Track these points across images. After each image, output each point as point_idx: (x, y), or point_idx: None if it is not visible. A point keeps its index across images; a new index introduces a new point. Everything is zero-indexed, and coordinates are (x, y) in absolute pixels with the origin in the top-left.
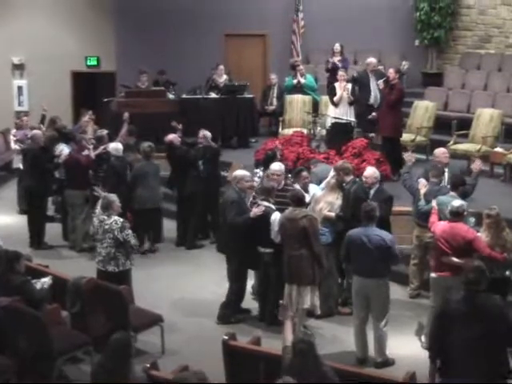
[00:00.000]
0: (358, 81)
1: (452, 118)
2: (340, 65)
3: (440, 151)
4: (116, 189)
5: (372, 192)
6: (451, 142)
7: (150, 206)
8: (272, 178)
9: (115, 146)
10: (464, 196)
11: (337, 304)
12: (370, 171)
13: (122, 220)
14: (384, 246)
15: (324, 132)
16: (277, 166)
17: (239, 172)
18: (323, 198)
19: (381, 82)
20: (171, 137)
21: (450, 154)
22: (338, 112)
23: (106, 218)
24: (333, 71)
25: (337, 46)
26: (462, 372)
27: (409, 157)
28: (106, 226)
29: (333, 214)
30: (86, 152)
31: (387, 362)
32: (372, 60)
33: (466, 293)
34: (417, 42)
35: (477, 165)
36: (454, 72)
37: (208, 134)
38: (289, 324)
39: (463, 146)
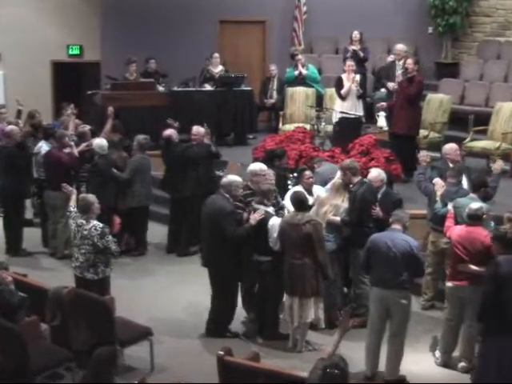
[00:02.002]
0: (381, 75)
1: (469, 112)
2: (361, 54)
3: (451, 148)
4: (101, 189)
5: (379, 195)
6: (468, 139)
7: (146, 203)
8: (262, 178)
9: (99, 143)
10: (485, 199)
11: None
12: (375, 173)
13: (101, 225)
14: (410, 253)
15: (329, 128)
16: (261, 166)
17: (235, 178)
18: (328, 201)
19: (399, 73)
20: (169, 132)
21: (466, 152)
22: (346, 106)
23: (84, 222)
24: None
25: (355, 34)
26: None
27: (423, 157)
28: (85, 232)
29: (338, 219)
30: (67, 149)
31: (399, 381)
32: (398, 46)
33: None
34: (430, 30)
35: (498, 165)
36: (471, 62)
37: (202, 130)
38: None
39: (481, 144)
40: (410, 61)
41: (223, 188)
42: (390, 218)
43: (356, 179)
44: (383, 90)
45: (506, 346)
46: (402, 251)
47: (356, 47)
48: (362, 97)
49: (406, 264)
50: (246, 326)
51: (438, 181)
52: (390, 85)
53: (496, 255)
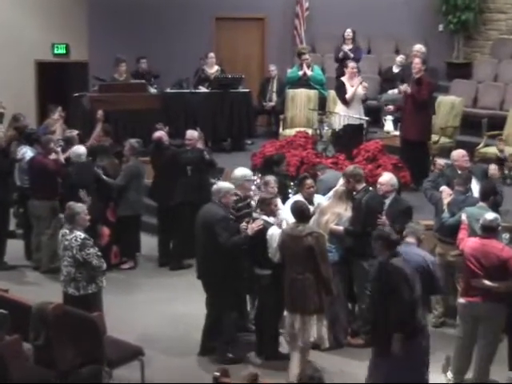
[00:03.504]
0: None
1: (482, 115)
2: (351, 55)
3: (459, 154)
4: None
5: (387, 202)
6: (481, 145)
7: (140, 212)
8: (250, 184)
9: (76, 151)
10: (495, 206)
11: (346, 333)
12: (387, 177)
13: (83, 236)
14: (424, 269)
15: (333, 133)
16: (247, 170)
17: (224, 184)
18: (330, 209)
19: (405, 86)
20: (159, 134)
21: (480, 158)
22: (351, 112)
23: (67, 232)
24: (344, 61)
25: (348, 32)
26: None
27: (439, 165)
28: (66, 242)
29: (341, 228)
30: (53, 156)
31: None
32: (416, 46)
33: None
34: (441, 27)
35: (492, 169)
36: (485, 62)
37: (196, 134)
38: (296, 356)
39: (495, 149)
40: (417, 60)
41: (214, 195)
42: (397, 227)
43: (360, 186)
44: (390, 91)
45: (416, 345)
46: (416, 267)
47: (348, 46)
48: (366, 101)
49: (421, 280)
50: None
51: (445, 189)
52: (402, 87)
53: (381, 256)
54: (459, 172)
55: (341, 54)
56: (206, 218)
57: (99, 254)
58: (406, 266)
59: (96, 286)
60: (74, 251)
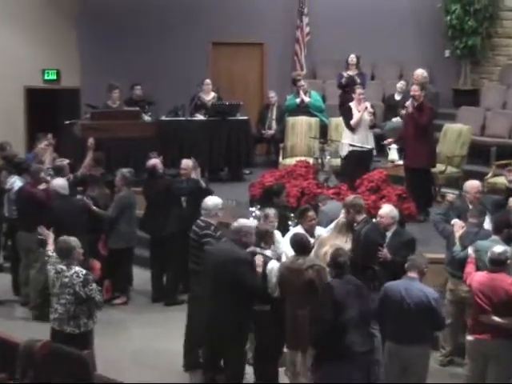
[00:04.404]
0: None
1: (491, 144)
2: (358, 80)
3: (472, 186)
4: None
5: (389, 234)
6: (490, 174)
7: (132, 244)
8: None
9: (59, 183)
10: (509, 240)
11: None
12: (386, 209)
13: (84, 272)
14: (426, 306)
15: (334, 162)
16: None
17: (245, 223)
18: (329, 241)
19: (409, 103)
20: (154, 161)
21: (489, 188)
22: (356, 138)
23: (64, 268)
24: (348, 87)
25: (352, 58)
26: None
27: (449, 198)
28: (65, 280)
29: None
30: (43, 186)
31: None
32: (417, 71)
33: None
34: (447, 53)
35: (511, 202)
36: (493, 88)
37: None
38: None
39: (505, 179)
40: (415, 87)
41: (233, 234)
42: (398, 259)
43: (360, 217)
44: (394, 119)
45: (342, 371)
46: (417, 303)
47: (352, 72)
48: (374, 127)
49: (422, 317)
50: None
51: (456, 221)
52: (407, 103)
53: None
54: (469, 205)
55: (344, 80)
56: (227, 258)
57: (100, 288)
58: (343, 288)
59: (93, 322)
60: (77, 288)
